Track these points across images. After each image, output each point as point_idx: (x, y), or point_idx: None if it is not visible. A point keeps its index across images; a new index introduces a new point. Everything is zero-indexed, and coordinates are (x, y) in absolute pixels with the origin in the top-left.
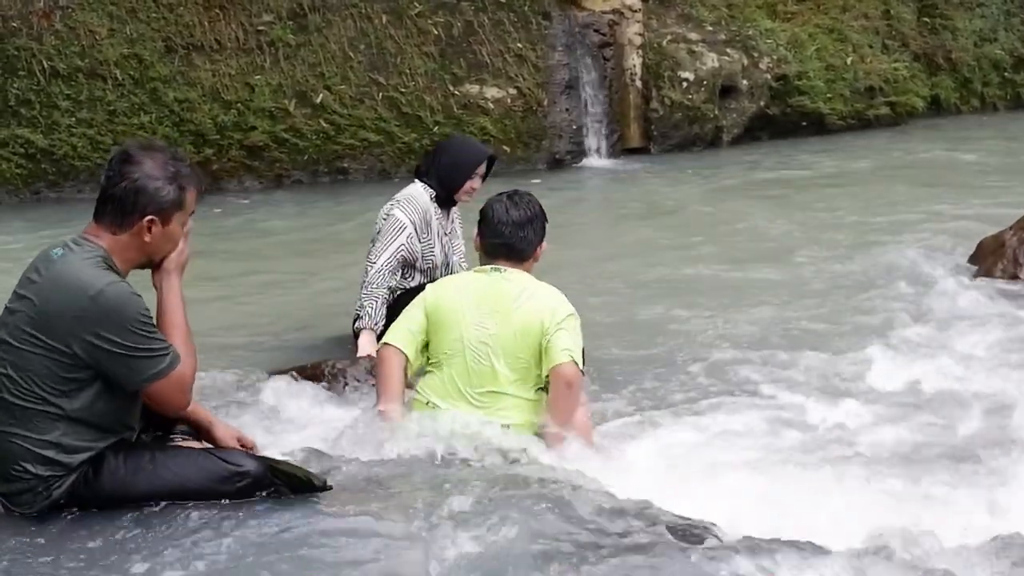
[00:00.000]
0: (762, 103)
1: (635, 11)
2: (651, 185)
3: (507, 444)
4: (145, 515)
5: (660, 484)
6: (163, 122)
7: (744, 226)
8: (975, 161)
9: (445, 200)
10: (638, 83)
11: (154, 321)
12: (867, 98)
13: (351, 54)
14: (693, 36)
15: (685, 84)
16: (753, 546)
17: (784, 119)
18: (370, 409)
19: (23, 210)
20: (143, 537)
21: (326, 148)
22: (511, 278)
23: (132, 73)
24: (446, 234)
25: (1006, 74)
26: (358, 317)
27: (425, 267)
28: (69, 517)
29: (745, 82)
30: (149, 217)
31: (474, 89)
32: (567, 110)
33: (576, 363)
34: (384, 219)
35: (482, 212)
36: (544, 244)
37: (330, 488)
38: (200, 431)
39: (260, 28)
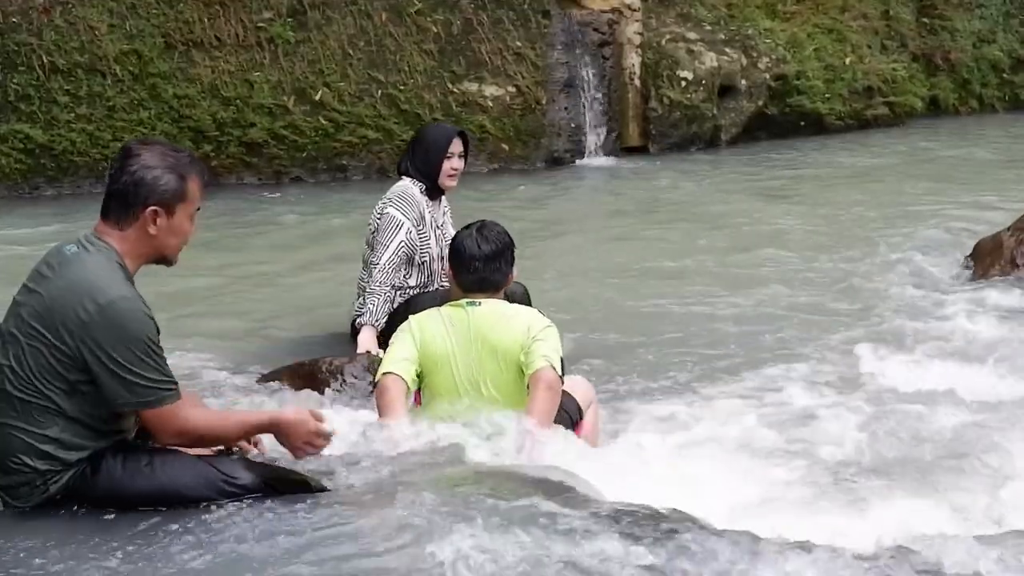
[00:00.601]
0: (761, 103)
1: (634, 10)
2: (649, 184)
3: (507, 444)
4: (140, 513)
5: (654, 482)
6: (162, 118)
7: (741, 224)
8: (975, 161)
9: (432, 189)
10: (637, 82)
11: (162, 351)
12: (865, 98)
13: (350, 51)
14: (692, 35)
15: (684, 83)
16: (751, 544)
17: (783, 119)
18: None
19: (22, 205)
20: (138, 536)
21: (325, 145)
22: (486, 309)
23: (131, 69)
24: (439, 227)
25: (1004, 75)
26: (359, 315)
27: (422, 261)
28: (63, 513)
29: (744, 82)
30: (152, 208)
31: (473, 87)
32: (566, 109)
33: (555, 368)
34: (379, 218)
35: (452, 248)
36: (515, 271)
37: (327, 489)
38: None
39: (260, 25)
